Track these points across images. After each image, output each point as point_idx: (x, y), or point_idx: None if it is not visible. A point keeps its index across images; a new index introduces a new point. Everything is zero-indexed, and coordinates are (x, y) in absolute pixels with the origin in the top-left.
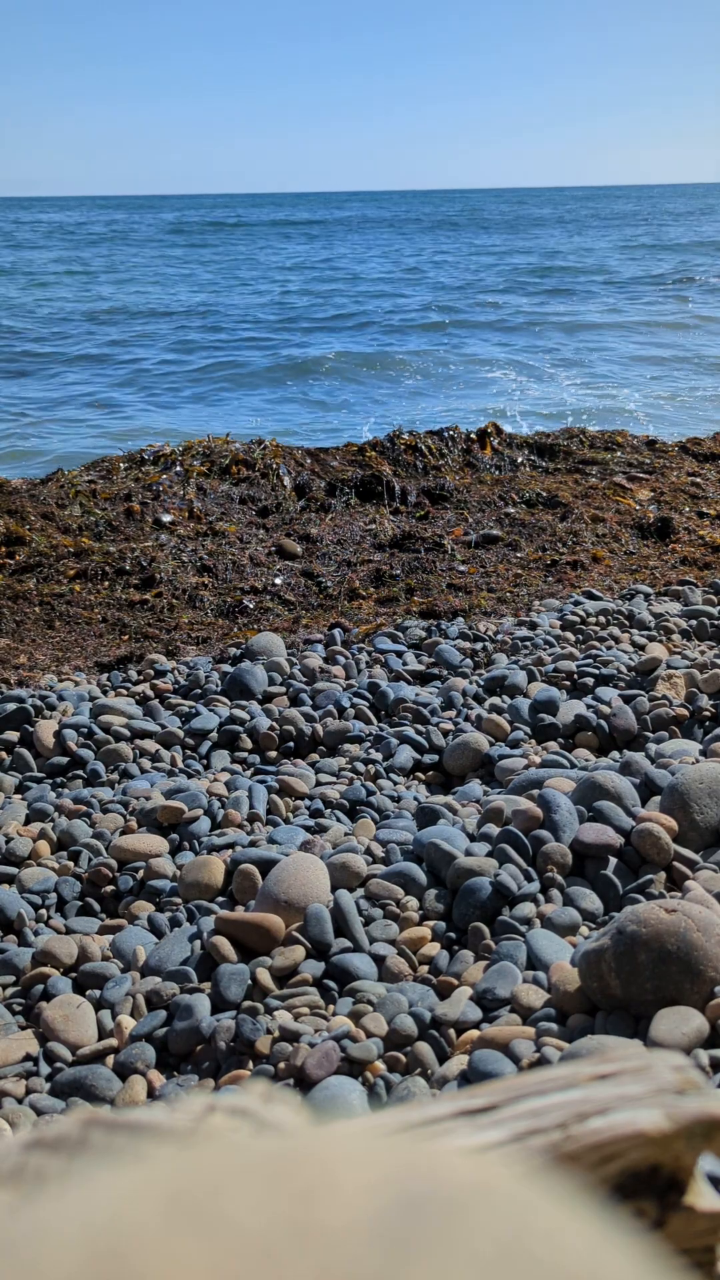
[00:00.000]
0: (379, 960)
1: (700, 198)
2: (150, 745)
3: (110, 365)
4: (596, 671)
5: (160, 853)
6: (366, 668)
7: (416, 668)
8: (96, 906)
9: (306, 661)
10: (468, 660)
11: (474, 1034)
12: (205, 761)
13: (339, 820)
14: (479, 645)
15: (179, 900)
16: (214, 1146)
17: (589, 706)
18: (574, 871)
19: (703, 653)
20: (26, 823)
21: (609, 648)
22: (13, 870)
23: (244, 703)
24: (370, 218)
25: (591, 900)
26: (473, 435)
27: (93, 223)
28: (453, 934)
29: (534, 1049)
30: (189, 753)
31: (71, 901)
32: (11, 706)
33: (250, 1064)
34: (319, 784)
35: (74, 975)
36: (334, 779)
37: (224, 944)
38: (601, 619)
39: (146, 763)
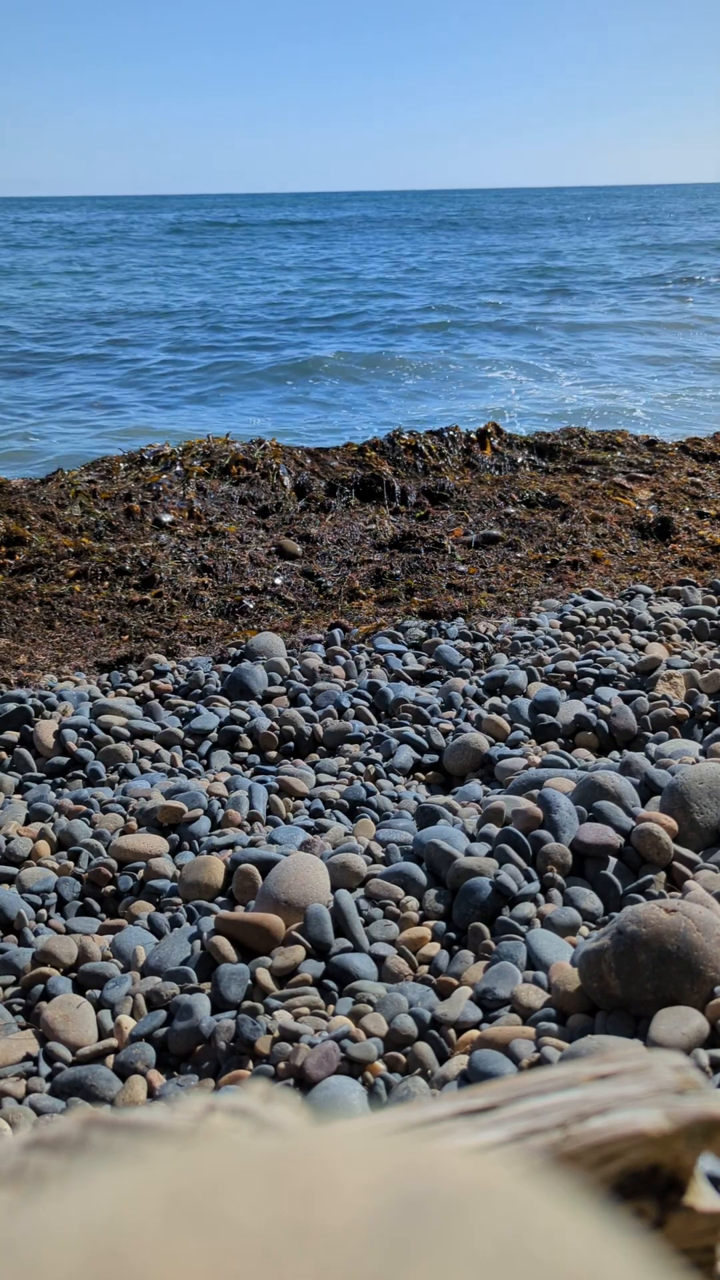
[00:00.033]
0: (379, 960)
1: (700, 198)
2: (150, 745)
3: (110, 365)
4: (596, 671)
5: (160, 853)
6: (366, 668)
7: (416, 668)
8: (96, 906)
9: (306, 661)
10: (468, 660)
11: (474, 1034)
12: (205, 761)
13: (339, 820)
14: (479, 645)
15: (179, 900)
16: (214, 1146)
17: (589, 706)
18: (574, 871)
19: (703, 653)
20: (26, 823)
21: (609, 648)
22: (13, 870)
23: (244, 703)
24: (370, 218)
25: (591, 900)
26: (473, 435)
27: (93, 223)
28: (453, 934)
29: (534, 1049)
30: (189, 753)
31: (71, 901)
32: (11, 706)
33: (250, 1064)
34: (319, 784)
35: (74, 975)
36: (334, 779)
37: (224, 944)
38: (601, 619)
39: (146, 763)
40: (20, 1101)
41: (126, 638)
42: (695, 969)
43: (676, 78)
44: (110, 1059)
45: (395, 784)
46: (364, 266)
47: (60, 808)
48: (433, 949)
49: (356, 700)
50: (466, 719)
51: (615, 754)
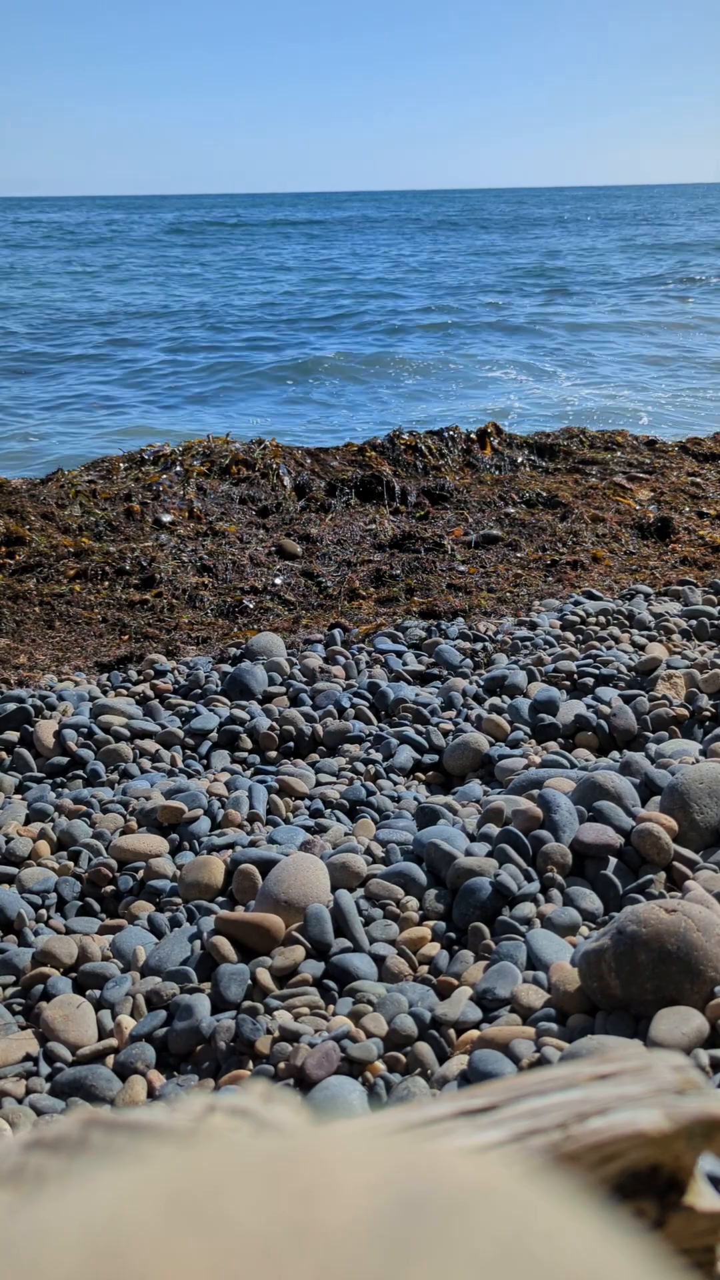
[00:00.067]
0: (379, 960)
1: (700, 198)
2: (150, 745)
3: (110, 365)
4: (596, 671)
5: (160, 853)
6: (366, 668)
7: (416, 668)
8: (96, 906)
9: (306, 661)
10: (468, 660)
11: (474, 1034)
12: (205, 761)
13: (339, 820)
14: (479, 645)
15: (179, 900)
16: (214, 1146)
17: (589, 706)
18: (574, 871)
19: (703, 653)
20: (26, 823)
21: (609, 648)
22: (13, 870)
23: (244, 703)
24: (370, 218)
25: (591, 900)
26: (473, 435)
27: (92, 222)
28: (453, 934)
29: (534, 1049)
30: (189, 753)
31: (71, 901)
32: (11, 706)
33: (250, 1064)
34: (319, 784)
35: (74, 975)
36: (334, 779)
37: (224, 944)
38: (601, 619)
39: (146, 763)
40: (20, 1101)
41: (126, 638)
42: (695, 969)
43: (676, 78)
44: (110, 1059)
45: (395, 784)
46: (364, 266)
47: (60, 808)
48: (433, 949)
49: (356, 700)
50: (466, 719)
51: (615, 754)
